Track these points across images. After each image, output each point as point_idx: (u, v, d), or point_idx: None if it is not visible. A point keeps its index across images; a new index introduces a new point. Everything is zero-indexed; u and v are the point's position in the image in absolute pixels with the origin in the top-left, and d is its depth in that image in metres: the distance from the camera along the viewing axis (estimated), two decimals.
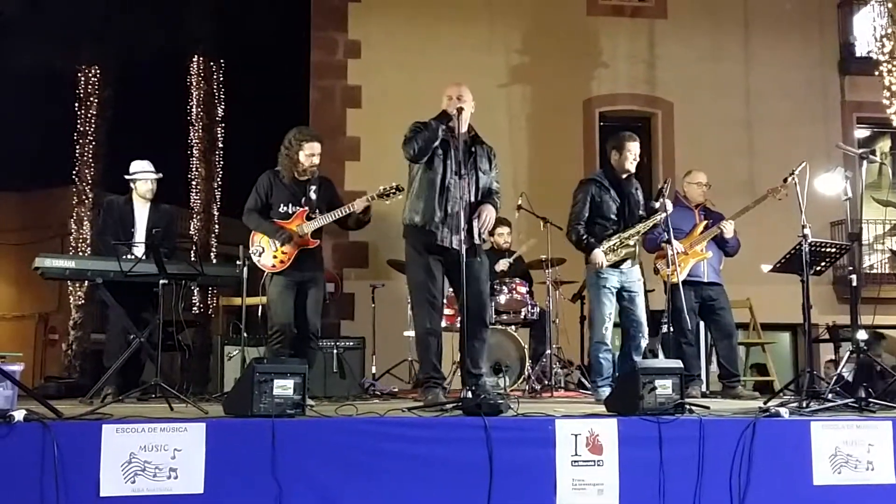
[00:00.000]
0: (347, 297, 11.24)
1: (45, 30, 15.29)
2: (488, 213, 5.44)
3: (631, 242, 6.20)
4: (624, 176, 6.32)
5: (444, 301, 5.68)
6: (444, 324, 6.25)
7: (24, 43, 15.08)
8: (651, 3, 13.22)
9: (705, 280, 7.08)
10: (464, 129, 5.48)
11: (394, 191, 5.86)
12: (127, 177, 6.79)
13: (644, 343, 6.21)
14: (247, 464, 3.92)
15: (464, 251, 5.03)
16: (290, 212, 5.93)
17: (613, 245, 6.21)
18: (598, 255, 6.18)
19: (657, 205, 6.15)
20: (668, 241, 6.09)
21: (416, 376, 7.29)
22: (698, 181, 7.31)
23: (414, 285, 5.53)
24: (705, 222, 7.09)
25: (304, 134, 6.01)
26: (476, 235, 5.43)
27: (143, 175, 6.74)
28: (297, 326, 5.90)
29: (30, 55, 15.11)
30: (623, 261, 6.20)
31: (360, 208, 5.88)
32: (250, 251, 5.92)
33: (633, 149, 6.29)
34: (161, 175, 6.83)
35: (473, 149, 5.51)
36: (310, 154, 5.93)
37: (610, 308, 6.24)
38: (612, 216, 6.27)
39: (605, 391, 5.91)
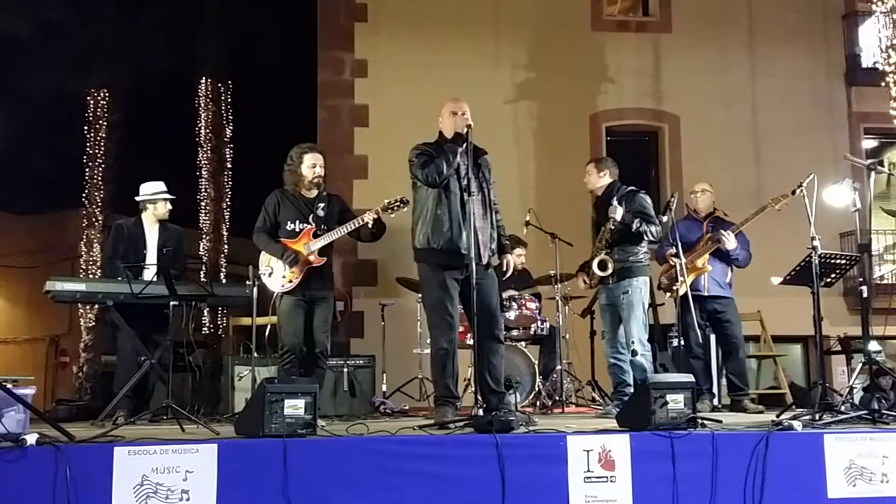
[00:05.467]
0: (357, 316, 11.21)
1: (54, 54, 15.43)
2: (513, 262, 5.70)
3: (602, 254, 6.37)
4: (599, 195, 6.65)
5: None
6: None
7: (34, 67, 15.21)
8: (656, 18, 13.22)
9: (705, 293, 7.00)
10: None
11: (398, 204, 5.80)
12: (144, 198, 6.71)
13: (645, 362, 6.22)
14: (258, 484, 3.92)
15: (474, 268, 5.01)
16: (298, 229, 5.93)
17: (591, 263, 6.47)
18: (578, 278, 6.78)
19: (665, 218, 6.17)
20: (677, 255, 6.08)
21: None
22: (699, 189, 7.30)
23: (430, 304, 5.44)
24: (708, 235, 7.05)
25: (303, 147, 6.03)
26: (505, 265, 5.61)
27: (162, 195, 6.70)
28: (305, 345, 5.90)
29: (39, 79, 15.24)
30: (605, 277, 6.38)
31: (367, 222, 5.86)
32: (260, 272, 5.92)
33: (586, 172, 6.73)
34: (174, 196, 6.82)
35: (479, 161, 5.50)
36: (312, 165, 5.94)
37: (604, 325, 6.57)
38: (598, 236, 6.54)
39: (612, 406, 6.07)
